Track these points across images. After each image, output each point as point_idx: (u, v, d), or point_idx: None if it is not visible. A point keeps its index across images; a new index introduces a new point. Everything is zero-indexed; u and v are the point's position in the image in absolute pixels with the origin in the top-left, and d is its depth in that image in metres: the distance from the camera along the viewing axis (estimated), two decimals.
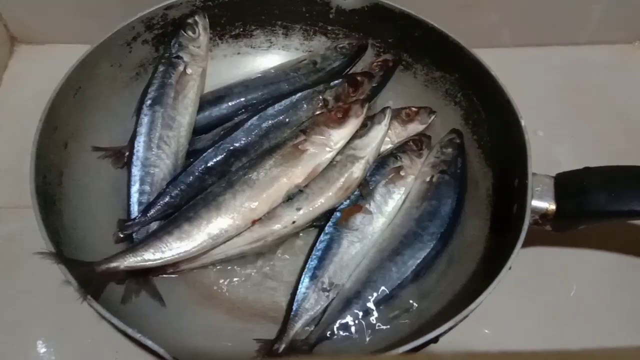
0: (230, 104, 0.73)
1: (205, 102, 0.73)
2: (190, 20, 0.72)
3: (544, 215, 0.58)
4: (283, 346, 0.57)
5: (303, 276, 0.62)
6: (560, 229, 0.60)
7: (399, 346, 0.48)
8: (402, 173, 0.68)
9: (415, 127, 0.73)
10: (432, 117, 0.74)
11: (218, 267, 0.64)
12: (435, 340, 0.49)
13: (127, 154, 0.67)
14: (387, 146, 0.72)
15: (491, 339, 0.65)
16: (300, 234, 0.67)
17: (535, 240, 0.68)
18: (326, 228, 0.64)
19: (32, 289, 0.64)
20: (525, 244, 0.55)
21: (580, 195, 0.58)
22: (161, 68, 0.70)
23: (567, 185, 0.59)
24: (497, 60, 0.68)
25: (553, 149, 0.80)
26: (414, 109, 0.74)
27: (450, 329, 0.51)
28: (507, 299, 0.63)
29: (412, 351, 0.48)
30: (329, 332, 0.59)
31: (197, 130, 0.72)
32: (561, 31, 0.90)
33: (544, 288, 0.68)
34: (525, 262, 0.62)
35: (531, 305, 0.67)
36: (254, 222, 0.62)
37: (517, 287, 0.64)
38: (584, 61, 0.90)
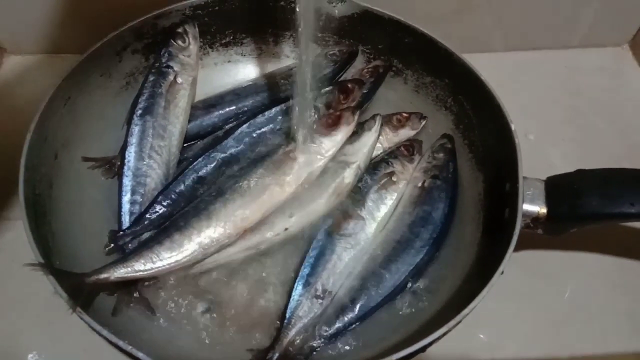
0: (221, 112, 0.73)
1: (197, 110, 0.73)
2: (180, 30, 0.72)
3: (535, 218, 0.58)
4: (277, 355, 0.57)
5: (296, 283, 0.61)
6: (552, 232, 0.60)
7: (390, 354, 0.48)
8: (394, 178, 0.68)
9: (406, 133, 0.73)
10: (423, 123, 0.74)
11: (211, 275, 0.64)
12: (423, 349, 0.49)
13: (118, 164, 0.67)
14: (379, 152, 0.72)
15: (486, 344, 0.64)
16: (294, 241, 0.66)
17: (528, 243, 0.68)
18: (318, 235, 0.64)
19: (24, 300, 0.64)
20: (518, 248, 0.55)
21: (572, 198, 0.57)
22: (151, 77, 0.70)
23: (558, 188, 0.58)
24: (489, 65, 0.68)
25: (545, 153, 0.80)
26: (405, 114, 0.74)
27: (443, 335, 0.50)
28: (502, 303, 0.63)
29: (405, 359, 0.48)
30: (323, 340, 0.58)
31: (188, 139, 0.71)
32: (553, 35, 0.90)
33: (538, 291, 0.68)
34: (519, 266, 0.63)
35: (526, 308, 0.66)
36: (245, 230, 0.61)
37: (512, 291, 0.63)
38: (575, 64, 0.91)
